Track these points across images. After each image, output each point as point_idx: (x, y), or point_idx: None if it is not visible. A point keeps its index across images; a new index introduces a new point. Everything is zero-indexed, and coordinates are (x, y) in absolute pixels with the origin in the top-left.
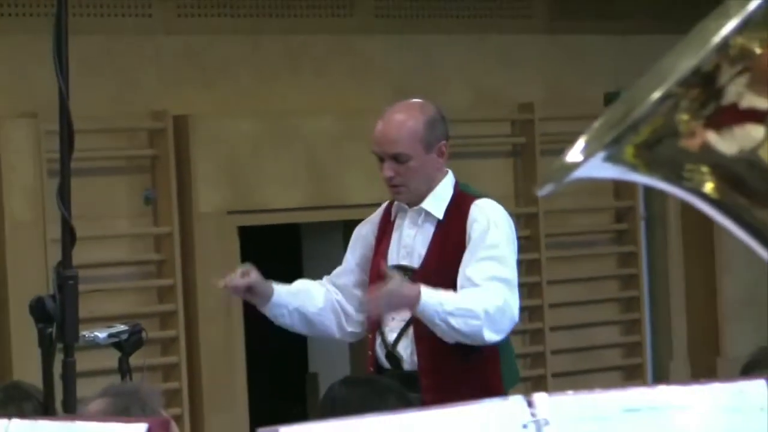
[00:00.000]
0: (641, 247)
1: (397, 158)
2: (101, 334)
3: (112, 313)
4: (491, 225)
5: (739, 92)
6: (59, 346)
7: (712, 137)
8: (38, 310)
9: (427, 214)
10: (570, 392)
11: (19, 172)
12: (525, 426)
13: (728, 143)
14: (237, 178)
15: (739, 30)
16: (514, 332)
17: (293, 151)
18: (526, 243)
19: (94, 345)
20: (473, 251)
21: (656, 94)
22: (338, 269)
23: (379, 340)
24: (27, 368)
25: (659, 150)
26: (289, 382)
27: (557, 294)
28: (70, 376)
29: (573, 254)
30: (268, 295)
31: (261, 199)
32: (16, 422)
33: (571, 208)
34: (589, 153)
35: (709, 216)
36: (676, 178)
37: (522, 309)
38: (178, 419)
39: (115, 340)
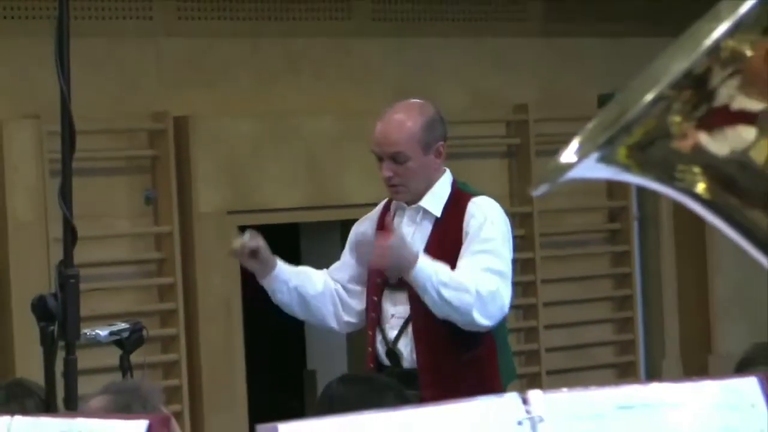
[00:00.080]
0: (634, 247)
1: (396, 158)
2: (102, 332)
3: (113, 312)
4: (487, 221)
5: (730, 94)
6: (61, 344)
7: (704, 138)
8: (40, 308)
9: (425, 212)
10: (564, 389)
11: (22, 173)
12: (520, 423)
13: (720, 144)
14: (237, 178)
15: (731, 33)
16: (509, 330)
17: (292, 152)
18: (520, 242)
19: (96, 343)
20: (468, 245)
21: (649, 97)
22: (336, 264)
23: (379, 337)
24: (29, 366)
25: (652, 151)
26: (288, 379)
27: (551, 292)
28: (71, 374)
29: (567, 253)
30: (271, 267)
31: (260, 199)
32: (18, 419)
33: (565, 207)
34: (582, 154)
35: (701, 216)
36: (669, 179)
37: (517, 307)
38: (178, 416)
39: (116, 338)
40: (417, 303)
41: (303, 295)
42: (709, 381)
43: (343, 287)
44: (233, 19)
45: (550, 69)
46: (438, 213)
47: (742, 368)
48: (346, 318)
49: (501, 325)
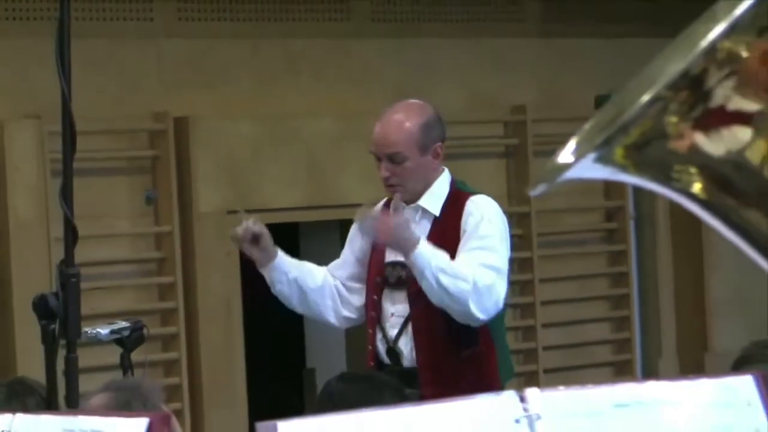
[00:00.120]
0: (631, 246)
1: (394, 159)
2: (103, 331)
3: (114, 310)
4: (485, 219)
5: (726, 95)
6: (62, 342)
7: (700, 139)
8: (41, 307)
9: (424, 211)
10: (561, 387)
11: (23, 173)
12: (517, 421)
13: (716, 145)
14: (236, 178)
15: (727, 34)
16: (507, 329)
17: (292, 152)
18: (518, 242)
19: (96, 341)
20: (466, 242)
21: (645, 97)
22: (335, 262)
23: (380, 336)
24: (30, 364)
25: (648, 151)
26: (287, 378)
27: (549, 291)
28: (72, 372)
29: (564, 253)
30: (272, 256)
31: (260, 199)
32: (20, 417)
33: (562, 207)
34: (580, 154)
35: (697, 216)
36: (665, 179)
37: (514, 306)
38: (178, 414)
39: (117, 336)
40: (416, 302)
41: (302, 288)
42: (705, 379)
43: (343, 284)
44: (233, 20)
45: (548, 70)
46: (437, 212)
47: (738, 366)
48: (345, 313)
49: (499, 324)
